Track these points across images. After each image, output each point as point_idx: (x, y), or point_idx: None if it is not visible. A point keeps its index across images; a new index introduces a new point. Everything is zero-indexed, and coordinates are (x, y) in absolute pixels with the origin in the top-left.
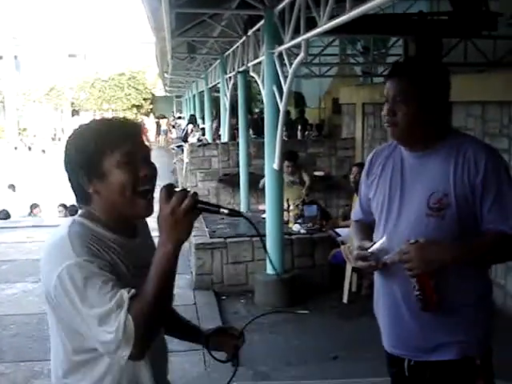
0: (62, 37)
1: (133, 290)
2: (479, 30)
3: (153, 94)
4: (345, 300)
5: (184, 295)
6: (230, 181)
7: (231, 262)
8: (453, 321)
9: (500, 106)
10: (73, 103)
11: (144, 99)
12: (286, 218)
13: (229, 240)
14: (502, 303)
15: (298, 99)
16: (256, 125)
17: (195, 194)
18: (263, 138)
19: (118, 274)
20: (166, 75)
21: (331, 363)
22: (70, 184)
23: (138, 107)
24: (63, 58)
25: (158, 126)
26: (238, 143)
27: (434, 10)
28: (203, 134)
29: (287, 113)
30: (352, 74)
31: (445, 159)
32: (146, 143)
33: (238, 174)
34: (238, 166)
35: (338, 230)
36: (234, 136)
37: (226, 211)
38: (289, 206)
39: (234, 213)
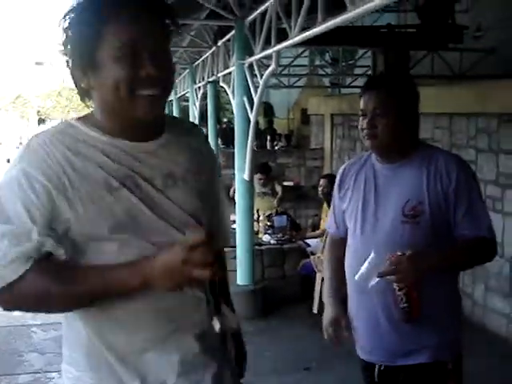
0: (29, 44)
1: (48, 249)
2: (446, 42)
3: None
4: (315, 310)
5: None
6: None
7: None
8: (427, 327)
9: (467, 117)
10: (39, 111)
11: None
12: (256, 229)
13: None
14: (470, 312)
15: (267, 109)
16: (225, 134)
17: (217, 271)
18: (232, 147)
19: (77, 193)
20: None
21: (303, 374)
22: (70, 75)
23: None
24: (30, 65)
25: None
26: None
27: (401, 23)
28: None
29: (256, 123)
30: (320, 85)
31: (418, 169)
32: (159, 31)
33: None
34: None
35: (307, 240)
36: None
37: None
38: (259, 216)
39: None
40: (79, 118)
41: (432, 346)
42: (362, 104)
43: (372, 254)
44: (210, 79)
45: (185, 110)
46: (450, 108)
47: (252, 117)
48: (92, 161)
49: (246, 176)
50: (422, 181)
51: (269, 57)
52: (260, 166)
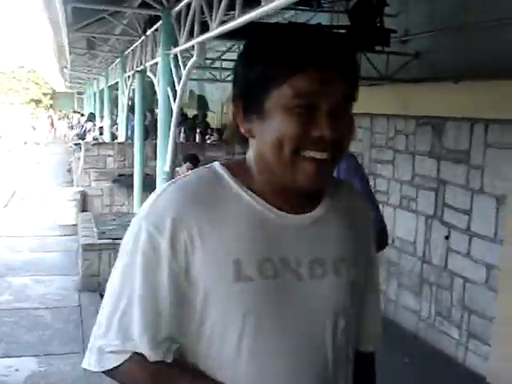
0: None
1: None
2: (373, 45)
3: (53, 89)
4: None
5: (69, 297)
6: (125, 181)
7: None
8: None
9: (387, 119)
10: None
11: (44, 94)
12: None
13: (118, 241)
14: (383, 308)
15: (201, 103)
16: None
17: None
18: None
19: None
20: (65, 70)
21: None
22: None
23: (37, 102)
24: None
25: (51, 120)
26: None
27: (334, 23)
28: (101, 133)
29: (185, 116)
30: None
31: None
32: (342, 90)
33: (133, 175)
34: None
35: None
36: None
37: None
38: None
39: None
40: (229, 165)
41: None
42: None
43: None
44: (138, 69)
45: (116, 100)
46: (372, 109)
47: (175, 107)
48: (227, 230)
49: (166, 167)
50: None
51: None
52: (188, 156)
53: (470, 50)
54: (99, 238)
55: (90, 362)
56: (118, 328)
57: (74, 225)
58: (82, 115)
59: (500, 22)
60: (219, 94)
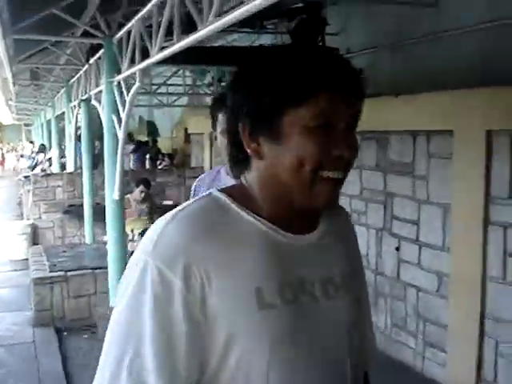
0: None
1: None
2: None
3: (0, 122)
4: None
5: (22, 333)
6: (75, 212)
7: (72, 296)
8: None
9: None
10: None
11: None
12: (131, 249)
13: (70, 273)
14: None
15: (151, 128)
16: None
17: None
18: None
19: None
20: (10, 102)
21: None
22: (228, 136)
23: None
24: None
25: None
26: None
27: (277, 44)
28: (50, 165)
29: (139, 142)
30: (200, 105)
31: None
32: (358, 99)
33: (83, 205)
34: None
35: None
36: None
37: None
38: (133, 236)
39: None
40: (226, 191)
41: None
42: None
43: None
44: (83, 97)
45: (63, 130)
46: None
47: (120, 134)
48: (244, 258)
49: (115, 195)
50: None
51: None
52: (140, 180)
53: (407, 65)
54: (51, 271)
55: None
56: (128, 372)
57: (24, 259)
58: (32, 142)
59: (435, 36)
60: (167, 119)
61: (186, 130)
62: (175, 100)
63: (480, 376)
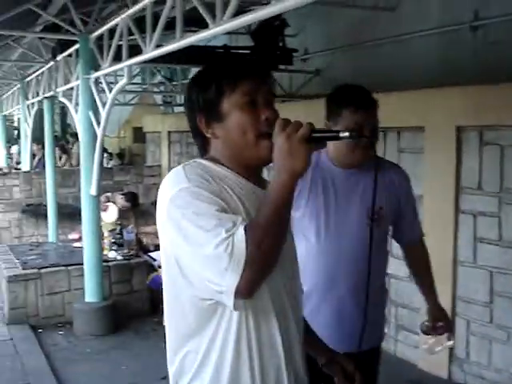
0: None
1: (241, 218)
2: (277, 64)
3: None
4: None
5: None
6: (33, 211)
7: (47, 293)
8: (382, 319)
9: None
10: None
11: None
12: None
13: (43, 270)
14: None
15: None
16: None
17: (311, 123)
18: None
19: (229, 207)
20: None
21: (162, 382)
22: (191, 131)
23: None
24: None
25: None
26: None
27: (232, 44)
28: None
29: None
30: (153, 103)
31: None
32: (268, 82)
33: (41, 204)
34: (43, 196)
35: (152, 254)
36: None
37: (346, 134)
38: (103, 233)
39: (356, 135)
40: (206, 159)
41: (382, 331)
42: (358, 119)
43: (451, 342)
44: (47, 94)
45: (9, 130)
46: None
47: (99, 132)
48: (231, 189)
49: (92, 191)
50: (381, 187)
51: (114, 72)
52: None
53: (365, 65)
54: (24, 269)
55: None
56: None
57: None
58: None
59: (394, 39)
60: (115, 118)
61: (134, 128)
62: (131, 99)
63: (452, 356)
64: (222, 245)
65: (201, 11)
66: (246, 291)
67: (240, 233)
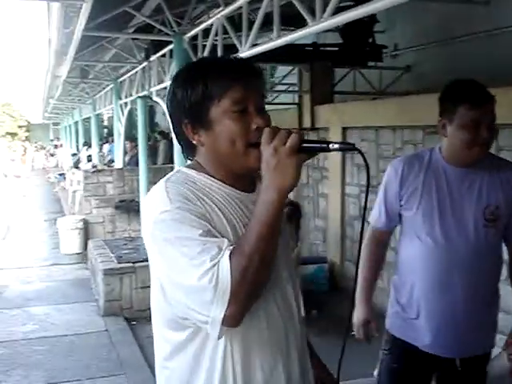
0: None
1: (227, 242)
2: (366, 60)
3: (28, 122)
4: None
5: (94, 322)
6: (126, 207)
7: (140, 286)
8: (493, 325)
9: (393, 130)
10: None
11: (19, 127)
12: None
13: (137, 265)
14: None
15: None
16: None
17: (301, 132)
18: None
19: (214, 227)
20: (50, 101)
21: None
22: (174, 132)
23: (13, 135)
24: None
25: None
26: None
27: (320, 42)
28: (89, 161)
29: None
30: None
31: (490, 176)
32: (260, 87)
33: (134, 201)
34: (136, 192)
35: None
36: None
37: (336, 146)
38: None
39: (347, 146)
40: (189, 167)
41: (491, 337)
42: (474, 115)
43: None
44: (141, 94)
45: (103, 128)
46: (376, 122)
47: None
48: (215, 204)
49: None
50: (496, 187)
51: None
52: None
53: (456, 61)
54: (119, 263)
55: None
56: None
57: (78, 253)
58: (43, 148)
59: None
60: None
61: None
62: None
63: None
64: (206, 275)
65: (300, 10)
66: (232, 322)
67: (225, 262)
